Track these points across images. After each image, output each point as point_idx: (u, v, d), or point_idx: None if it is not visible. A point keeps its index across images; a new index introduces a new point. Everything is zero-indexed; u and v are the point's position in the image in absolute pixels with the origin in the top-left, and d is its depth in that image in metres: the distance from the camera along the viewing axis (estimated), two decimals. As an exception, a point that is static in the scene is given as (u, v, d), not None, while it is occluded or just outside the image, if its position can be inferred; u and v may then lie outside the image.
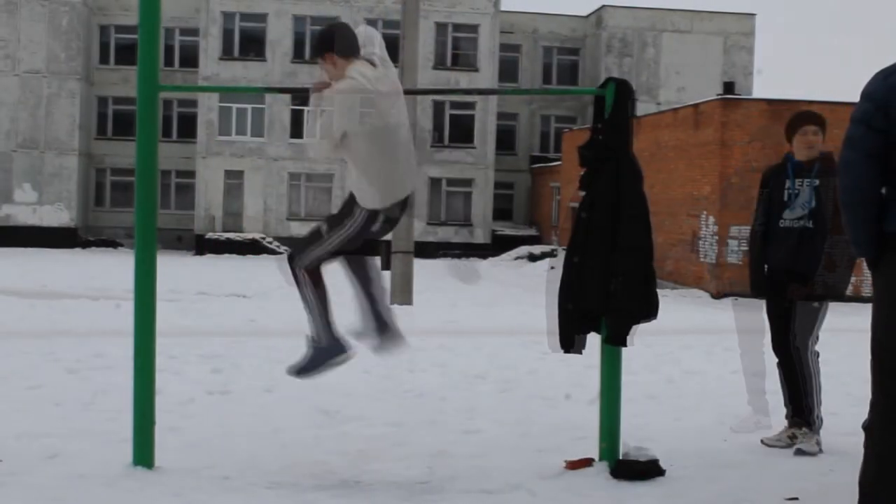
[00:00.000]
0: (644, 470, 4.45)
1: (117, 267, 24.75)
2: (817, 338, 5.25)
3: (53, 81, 36.84)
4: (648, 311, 4.51)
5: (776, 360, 5.41)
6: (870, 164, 3.39)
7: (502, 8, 38.61)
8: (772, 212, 5.37)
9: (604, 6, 40.26)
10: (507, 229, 39.21)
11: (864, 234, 3.46)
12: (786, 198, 5.29)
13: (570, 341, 4.57)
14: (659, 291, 4.63)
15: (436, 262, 31.32)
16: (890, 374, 3.36)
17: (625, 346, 4.50)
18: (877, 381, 3.43)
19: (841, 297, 5.20)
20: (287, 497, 4.10)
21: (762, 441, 5.32)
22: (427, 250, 34.25)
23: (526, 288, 23.60)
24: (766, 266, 5.43)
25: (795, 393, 5.29)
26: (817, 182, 5.19)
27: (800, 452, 5.09)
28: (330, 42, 4.32)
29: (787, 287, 5.24)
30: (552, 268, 26.86)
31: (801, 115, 5.40)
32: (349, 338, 4.66)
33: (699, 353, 9.24)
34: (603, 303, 4.46)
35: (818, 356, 5.26)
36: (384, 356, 4.92)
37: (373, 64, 4.33)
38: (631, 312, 4.46)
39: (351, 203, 4.47)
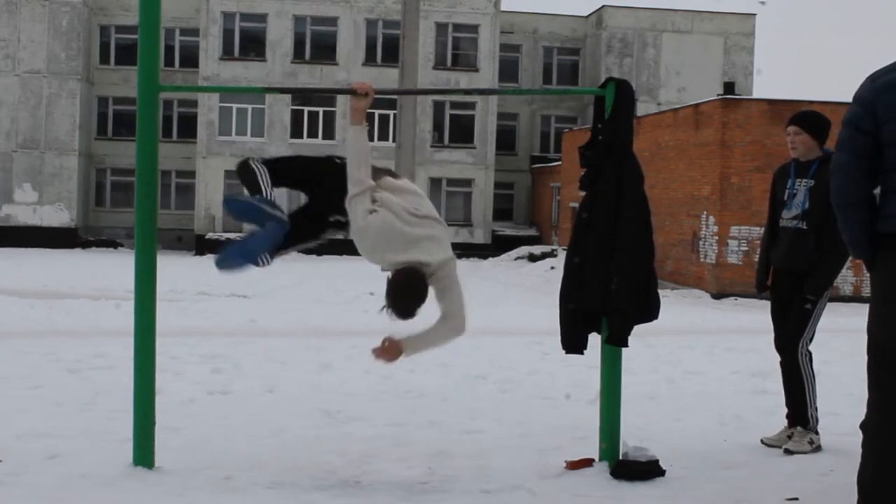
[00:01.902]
0: (644, 470, 4.45)
1: (117, 267, 24.72)
2: (811, 338, 5.25)
3: (54, 81, 36.82)
4: (649, 311, 4.51)
5: (779, 359, 5.41)
6: (860, 165, 3.42)
7: (502, 8, 38.60)
8: (776, 211, 5.40)
9: (604, 6, 40.26)
10: (507, 229, 39.19)
11: (858, 235, 3.49)
12: (786, 197, 5.32)
13: (572, 341, 4.57)
14: (660, 292, 4.63)
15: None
16: (886, 373, 3.37)
17: (625, 346, 4.50)
18: (873, 380, 3.45)
19: (820, 294, 5.17)
20: (287, 497, 4.10)
21: (762, 441, 5.32)
22: (427, 250, 34.17)
23: (526, 288, 23.59)
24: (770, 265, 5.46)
25: (791, 393, 5.30)
26: (812, 183, 5.21)
27: (787, 452, 5.08)
28: None
29: (787, 287, 5.25)
30: (552, 268, 26.88)
31: (791, 116, 5.44)
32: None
33: (699, 354, 9.24)
34: (603, 303, 4.46)
35: (811, 356, 5.26)
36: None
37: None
38: (631, 313, 4.46)
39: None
